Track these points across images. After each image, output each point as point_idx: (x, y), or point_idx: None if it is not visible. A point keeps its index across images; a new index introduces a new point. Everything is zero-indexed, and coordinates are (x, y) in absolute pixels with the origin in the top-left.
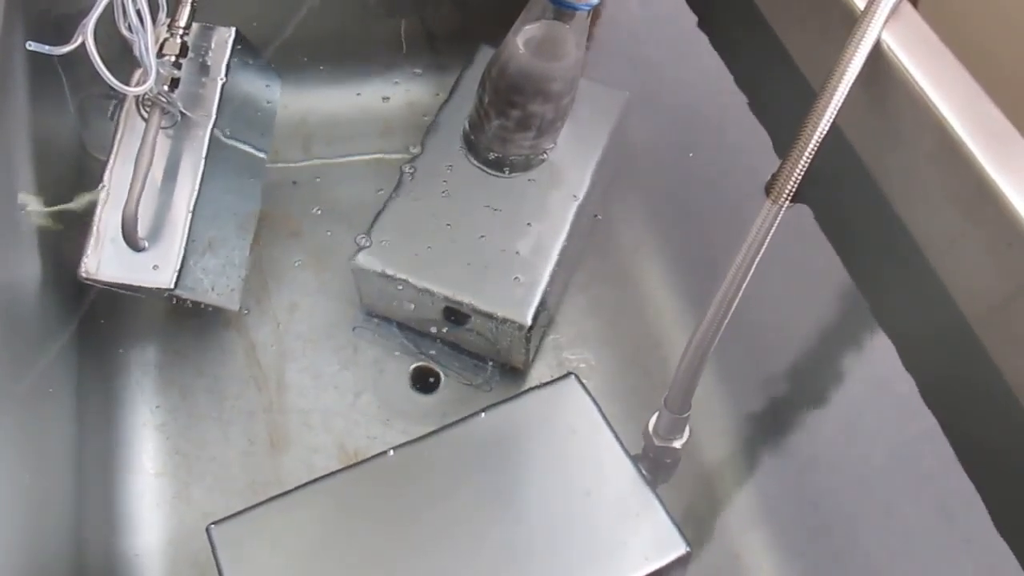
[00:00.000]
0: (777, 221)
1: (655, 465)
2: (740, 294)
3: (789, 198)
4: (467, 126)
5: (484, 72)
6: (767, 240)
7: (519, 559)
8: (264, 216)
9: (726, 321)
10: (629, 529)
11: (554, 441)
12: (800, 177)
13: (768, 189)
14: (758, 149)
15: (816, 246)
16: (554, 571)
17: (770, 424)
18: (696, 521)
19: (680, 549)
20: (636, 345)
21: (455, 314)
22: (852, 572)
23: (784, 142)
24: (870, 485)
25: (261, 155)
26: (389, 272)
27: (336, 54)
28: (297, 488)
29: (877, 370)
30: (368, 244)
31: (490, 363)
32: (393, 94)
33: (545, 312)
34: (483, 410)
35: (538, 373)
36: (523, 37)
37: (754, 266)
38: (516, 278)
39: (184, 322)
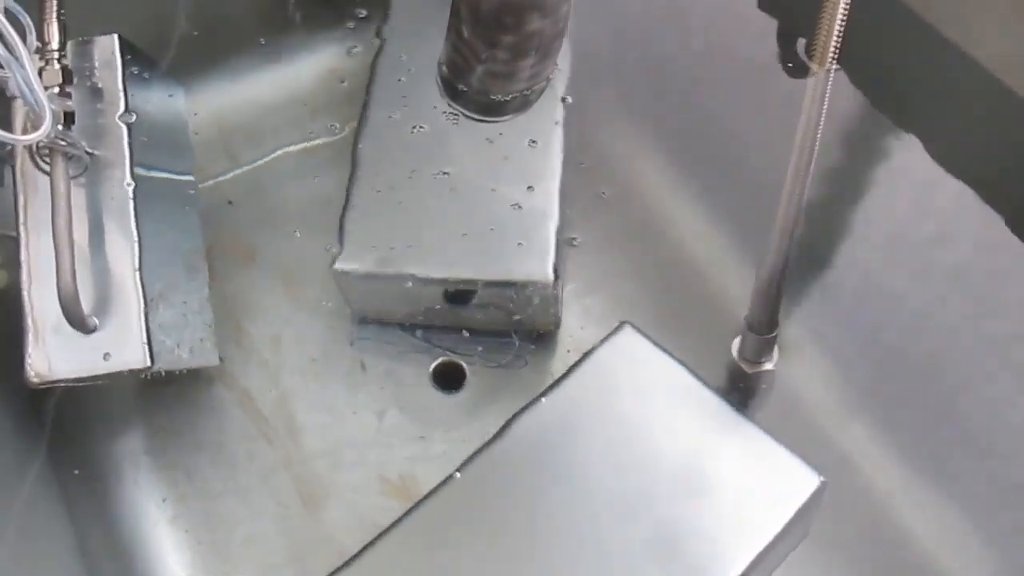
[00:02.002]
0: (829, 87)
1: (748, 395)
2: (809, 179)
3: (835, 59)
4: (444, 71)
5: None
6: (824, 112)
7: (651, 546)
8: (210, 247)
9: (801, 214)
10: (753, 477)
11: (634, 405)
12: (842, 31)
13: (810, 52)
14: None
15: (854, 110)
16: (694, 550)
17: (863, 321)
18: (814, 447)
19: (814, 482)
20: (664, 270)
21: (464, 295)
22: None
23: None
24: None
25: (187, 178)
26: (377, 270)
27: (229, 40)
28: (371, 545)
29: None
30: (342, 245)
31: (515, 336)
32: (307, 66)
33: (561, 261)
34: (542, 394)
35: (570, 331)
36: None
37: (817, 145)
38: (523, 232)
39: (160, 394)
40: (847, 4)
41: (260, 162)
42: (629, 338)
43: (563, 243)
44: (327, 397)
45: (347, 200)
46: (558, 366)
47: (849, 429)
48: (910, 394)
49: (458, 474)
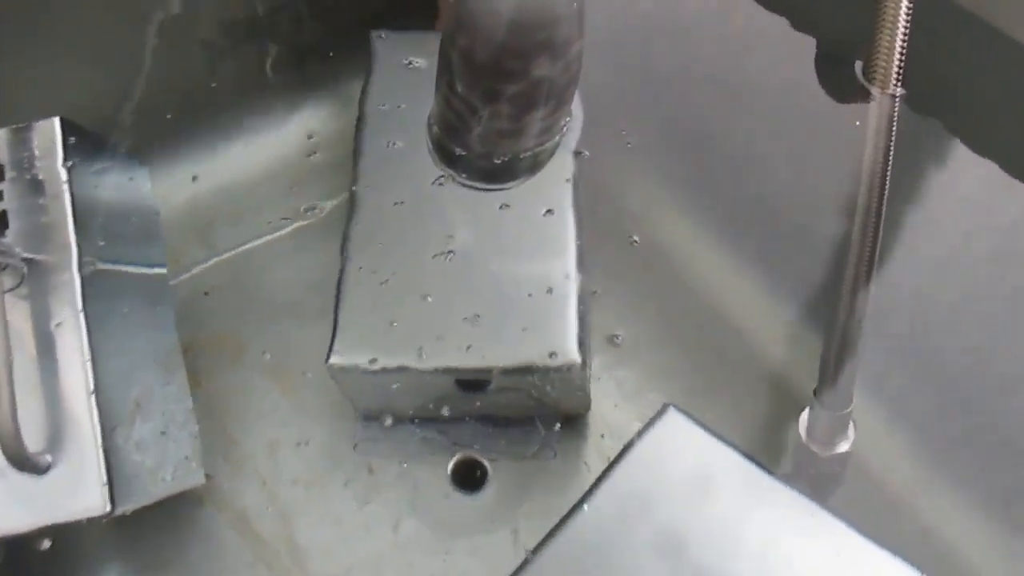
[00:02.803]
0: (896, 113)
1: (822, 482)
2: (882, 224)
3: (900, 79)
4: (436, 132)
5: (443, 45)
6: (892, 143)
7: None
8: (189, 346)
9: (874, 267)
10: None
11: (690, 505)
12: (904, 48)
13: (868, 75)
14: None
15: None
16: None
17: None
18: (907, 537)
19: None
20: (704, 333)
21: (479, 383)
22: None
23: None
24: None
25: (157, 270)
26: (379, 364)
27: (199, 113)
28: None
29: None
30: (335, 338)
31: (539, 422)
32: (285, 137)
33: (587, 335)
34: (581, 500)
35: (601, 411)
36: None
37: (888, 180)
38: (540, 310)
39: (140, 522)
40: (908, 17)
41: (240, 248)
42: (675, 423)
43: (587, 314)
44: (333, 510)
45: (339, 288)
46: (592, 454)
47: (947, 512)
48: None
49: None
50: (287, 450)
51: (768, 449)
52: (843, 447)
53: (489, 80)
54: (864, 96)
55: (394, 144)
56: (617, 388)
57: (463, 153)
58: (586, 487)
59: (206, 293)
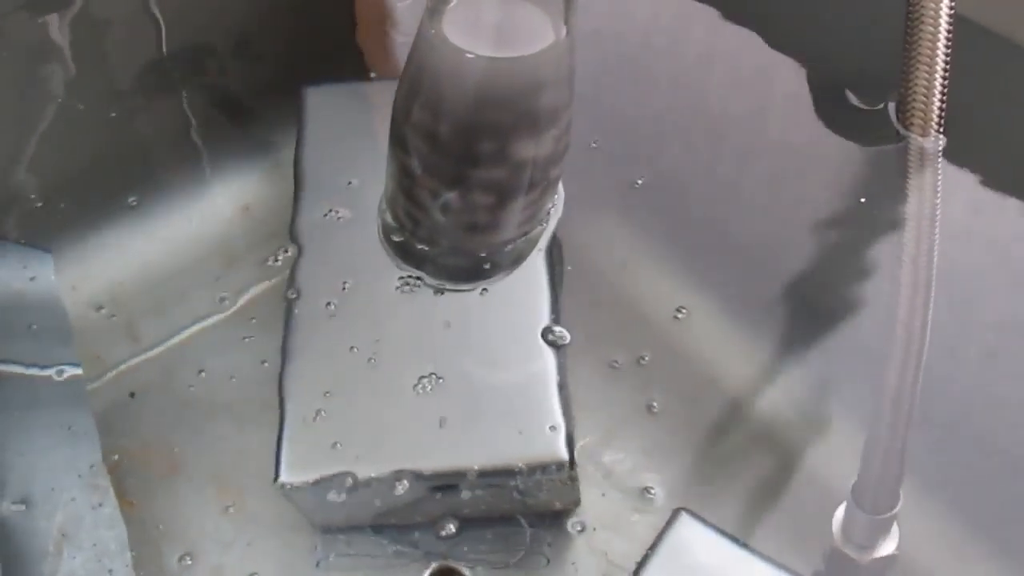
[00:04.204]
0: (940, 160)
1: None
2: (932, 297)
3: (942, 124)
4: (388, 221)
5: (394, 115)
6: (939, 194)
7: None
8: (117, 459)
9: (926, 346)
10: None
11: None
12: (946, 88)
13: (905, 119)
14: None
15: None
16: None
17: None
18: None
19: None
20: (697, 405)
21: (451, 486)
22: None
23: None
24: None
25: (71, 372)
26: (333, 473)
27: (110, 188)
28: None
29: None
30: (280, 454)
31: (524, 521)
32: (214, 208)
33: (572, 430)
34: None
35: (590, 501)
36: (456, 25)
37: (936, 241)
38: (517, 403)
39: None
40: (947, 53)
41: (169, 341)
42: (690, 531)
43: (570, 403)
44: None
45: (282, 385)
46: (584, 555)
47: None
48: None
49: None
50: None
51: (798, 554)
52: (886, 550)
53: (457, 164)
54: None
55: (336, 215)
56: (604, 475)
57: (424, 248)
58: None
59: (132, 395)
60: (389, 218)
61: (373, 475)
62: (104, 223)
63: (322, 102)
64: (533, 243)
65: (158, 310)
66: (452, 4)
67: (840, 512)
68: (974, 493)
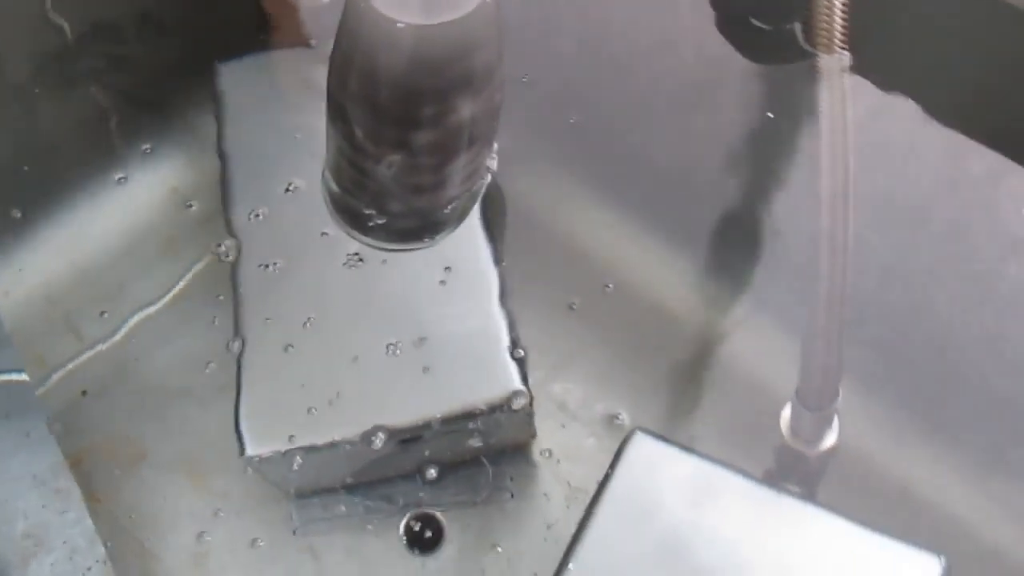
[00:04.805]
0: (847, 76)
1: (813, 479)
2: (852, 203)
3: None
4: (333, 188)
5: (330, 84)
6: (849, 108)
7: None
8: (78, 458)
9: (849, 253)
10: None
11: (686, 531)
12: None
13: (813, 39)
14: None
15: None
16: None
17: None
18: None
19: (936, 567)
20: (643, 334)
21: (417, 439)
22: None
23: None
24: None
25: (13, 376)
26: (300, 442)
27: (28, 182)
28: None
29: None
30: (240, 428)
31: (486, 460)
32: (142, 194)
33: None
34: (565, 558)
35: (548, 434)
36: None
37: (850, 151)
38: (470, 347)
39: None
40: None
41: (114, 334)
42: (647, 448)
43: (519, 341)
44: None
45: (239, 371)
46: (548, 484)
47: (941, 481)
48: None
49: None
50: (217, 554)
51: (751, 455)
52: (829, 442)
53: (399, 130)
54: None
55: (265, 196)
56: (558, 406)
57: (373, 212)
58: (551, 521)
59: (84, 393)
60: (334, 186)
61: (338, 438)
62: (28, 223)
63: (236, 78)
64: (476, 197)
65: (97, 305)
66: None
67: (786, 412)
68: (905, 384)
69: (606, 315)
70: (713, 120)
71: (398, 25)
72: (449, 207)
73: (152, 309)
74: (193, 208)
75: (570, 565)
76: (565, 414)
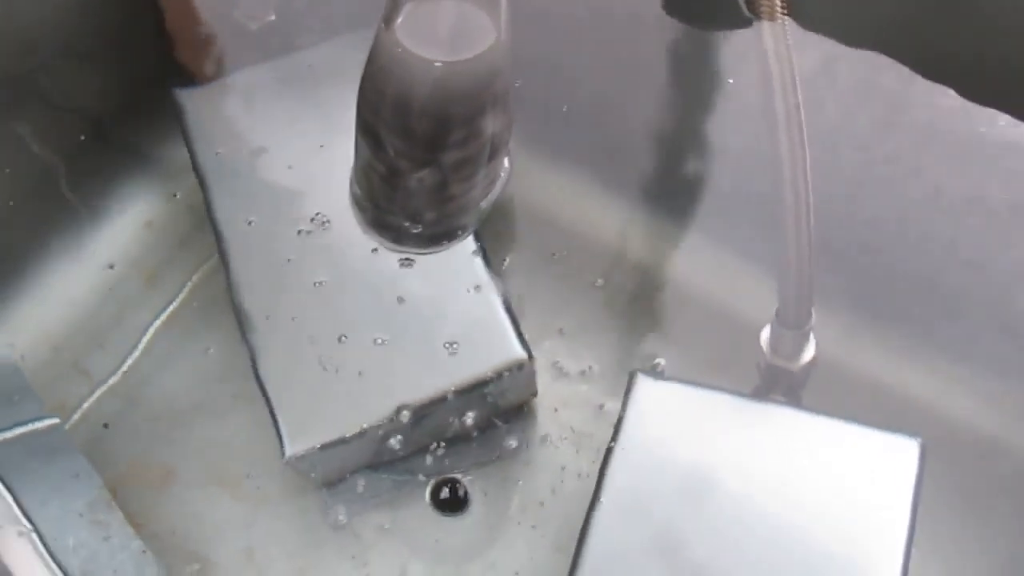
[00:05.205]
0: (790, 41)
1: (797, 389)
2: (807, 149)
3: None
4: (364, 204)
5: (365, 116)
6: (795, 68)
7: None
8: (113, 488)
9: (810, 189)
10: (857, 469)
11: (696, 457)
12: None
13: (754, 7)
14: None
15: None
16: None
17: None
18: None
19: (914, 448)
20: (614, 287)
21: (434, 413)
22: None
23: None
24: None
25: (48, 423)
26: (335, 436)
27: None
28: None
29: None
30: (281, 432)
31: (497, 421)
32: (122, 227)
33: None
34: (592, 504)
35: (547, 388)
36: (415, 37)
37: (801, 109)
38: (468, 321)
39: None
40: None
41: (121, 366)
42: (650, 388)
43: (511, 307)
44: None
45: (259, 378)
46: (554, 433)
47: (912, 373)
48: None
49: None
50: (266, 551)
51: (738, 375)
52: (808, 355)
53: (430, 151)
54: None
55: (251, 206)
56: (550, 360)
57: (406, 223)
58: (564, 464)
59: (105, 426)
60: (365, 202)
61: (367, 424)
62: (14, 275)
63: (196, 102)
64: (493, 199)
65: (98, 343)
66: (404, 14)
67: (765, 334)
68: (871, 293)
69: (587, 273)
70: (671, 84)
71: (435, 64)
72: (474, 209)
73: (149, 336)
74: (170, 236)
75: (601, 499)
76: (557, 368)
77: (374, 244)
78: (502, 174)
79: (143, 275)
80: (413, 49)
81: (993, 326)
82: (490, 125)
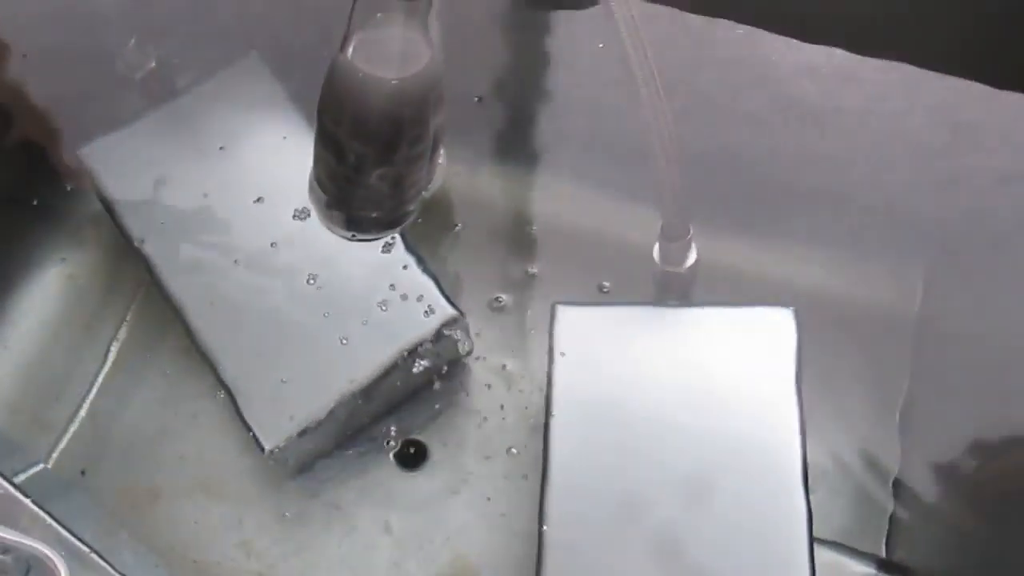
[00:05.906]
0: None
1: (683, 289)
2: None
3: None
4: (328, 202)
5: (325, 124)
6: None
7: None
8: (110, 514)
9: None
10: (744, 347)
11: (623, 364)
12: None
13: None
14: None
15: None
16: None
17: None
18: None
19: (789, 315)
20: (502, 235)
21: (383, 380)
22: None
23: None
24: None
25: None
26: (306, 422)
27: None
28: None
29: None
30: (254, 431)
31: (435, 379)
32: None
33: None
34: (547, 424)
35: (476, 341)
36: (371, 60)
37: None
38: (394, 295)
39: None
40: None
41: (79, 411)
42: (571, 314)
43: (429, 270)
44: (339, 555)
45: (225, 386)
46: (489, 377)
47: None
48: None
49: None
50: (261, 541)
51: (639, 288)
52: (692, 259)
53: (387, 151)
54: None
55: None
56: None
57: (367, 214)
58: (502, 399)
59: (83, 472)
60: (329, 200)
61: (332, 405)
62: None
63: (104, 154)
64: (435, 186)
65: (52, 391)
66: (354, 43)
67: (655, 248)
68: (741, 199)
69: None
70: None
71: (387, 81)
72: (419, 196)
73: (101, 378)
74: (95, 284)
75: (553, 412)
76: (483, 321)
77: (276, 239)
78: (440, 162)
79: (78, 325)
80: (369, 71)
81: (827, 213)
82: (434, 123)
